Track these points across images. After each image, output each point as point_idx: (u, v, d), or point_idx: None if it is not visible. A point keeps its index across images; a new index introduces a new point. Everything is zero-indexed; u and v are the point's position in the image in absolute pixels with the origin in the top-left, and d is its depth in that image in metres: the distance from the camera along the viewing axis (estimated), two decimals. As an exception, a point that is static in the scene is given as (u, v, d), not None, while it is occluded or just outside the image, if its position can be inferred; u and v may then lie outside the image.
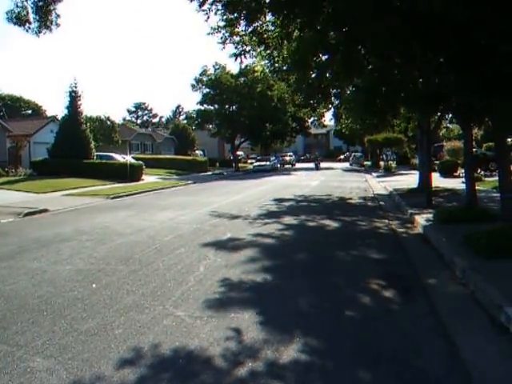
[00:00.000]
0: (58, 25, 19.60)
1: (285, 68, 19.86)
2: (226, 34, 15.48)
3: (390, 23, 10.39)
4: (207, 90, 69.88)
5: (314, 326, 6.66)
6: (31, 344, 6.10)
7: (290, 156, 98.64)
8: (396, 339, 6.12)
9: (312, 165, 78.20)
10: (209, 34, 15.48)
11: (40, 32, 17.85)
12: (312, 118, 57.81)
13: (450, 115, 23.33)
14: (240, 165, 78.08)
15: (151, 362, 5.56)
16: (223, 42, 15.81)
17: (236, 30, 15.27)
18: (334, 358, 5.63)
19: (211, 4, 13.52)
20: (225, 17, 14.29)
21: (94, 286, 8.83)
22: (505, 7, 9.13)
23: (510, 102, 10.82)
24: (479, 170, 34.42)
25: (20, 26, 17.19)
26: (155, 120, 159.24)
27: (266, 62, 20.51)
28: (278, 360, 5.55)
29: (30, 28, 17.43)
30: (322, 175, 52.69)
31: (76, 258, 11.19)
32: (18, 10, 17.12)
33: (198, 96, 75.69)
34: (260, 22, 15.23)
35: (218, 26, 14.97)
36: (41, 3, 17.42)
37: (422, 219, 15.08)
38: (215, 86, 68.50)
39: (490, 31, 9.43)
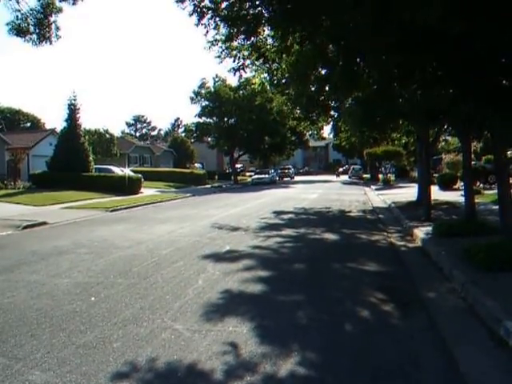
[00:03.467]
0: (58, 37, 19.70)
1: (284, 81, 19.92)
2: (224, 49, 15.54)
3: (389, 37, 10.42)
4: (206, 102, 70.10)
5: (313, 339, 6.64)
6: (30, 357, 6.08)
7: (288, 169, 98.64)
8: (395, 353, 6.10)
9: (311, 177, 78.57)
10: (206, 48, 15.54)
11: (40, 43, 17.96)
12: (310, 132, 57.89)
13: (449, 128, 23.36)
14: (239, 177, 78.27)
15: (149, 375, 5.54)
16: (220, 56, 15.86)
17: (234, 44, 15.32)
18: (333, 372, 5.61)
19: (210, 18, 13.59)
20: (224, 31, 14.35)
21: (92, 299, 8.81)
22: (502, 19, 9.17)
23: (509, 115, 10.85)
24: (478, 183, 34.46)
25: (21, 37, 17.31)
26: (154, 133, 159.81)
27: (265, 75, 20.58)
28: (277, 374, 5.52)
29: (30, 39, 17.56)
30: (321, 188, 52.66)
31: (75, 271, 11.17)
32: (19, 22, 17.22)
33: (196, 109, 75.86)
34: (259, 37, 15.28)
35: (215, 40, 15.01)
36: (40, 15, 17.52)
37: (421, 232, 15.08)
38: (214, 98, 68.71)
39: (488, 43, 9.46)
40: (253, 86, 51.88)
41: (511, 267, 9.17)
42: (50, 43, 20.64)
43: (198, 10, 13.29)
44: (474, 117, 10.95)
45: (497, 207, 12.27)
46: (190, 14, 13.43)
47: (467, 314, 7.61)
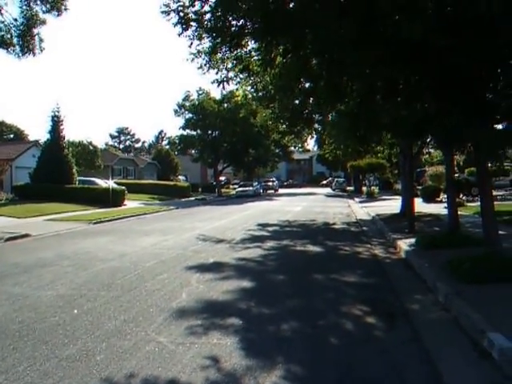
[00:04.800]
0: (42, 49, 19.66)
1: (268, 94, 19.94)
2: (208, 60, 15.51)
3: (372, 50, 10.47)
4: (190, 115, 70.23)
5: (297, 352, 6.62)
6: (12, 370, 6.03)
7: (272, 181, 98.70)
8: (379, 366, 6.10)
9: (295, 190, 78.69)
10: (189, 60, 15.51)
11: (23, 55, 17.90)
12: (294, 145, 58.06)
13: (432, 141, 23.50)
14: (223, 190, 78.24)
15: (133, 388, 5.51)
16: (203, 68, 15.83)
17: (218, 56, 15.31)
18: (318, 385, 5.61)
19: (195, 30, 13.61)
20: (208, 43, 14.35)
21: (75, 311, 8.76)
22: (483, 34, 9.25)
23: (489, 128, 10.94)
24: (461, 195, 34.67)
25: (4, 48, 17.24)
26: (138, 145, 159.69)
27: (250, 88, 20.60)
28: (262, 387, 5.52)
29: (13, 51, 17.50)
30: (305, 200, 52.77)
31: (58, 284, 11.12)
32: (2, 33, 17.16)
33: (180, 121, 76.13)
34: (243, 49, 15.29)
35: (199, 51, 15.00)
36: (23, 27, 17.47)
37: (404, 244, 15.12)
38: (198, 111, 68.88)
39: (471, 57, 9.54)
40: (237, 99, 51.98)
41: (494, 279, 9.22)
42: (34, 55, 20.58)
43: (183, 21, 13.31)
44: (456, 130, 11.01)
45: (480, 219, 12.33)
46: (175, 25, 13.45)
47: (451, 325, 7.62)
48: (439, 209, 27.57)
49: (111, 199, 39.75)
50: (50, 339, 7.21)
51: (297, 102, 20.17)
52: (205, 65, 15.62)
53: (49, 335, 7.40)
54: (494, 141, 10.74)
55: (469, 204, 30.39)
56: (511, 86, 11.23)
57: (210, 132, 71.98)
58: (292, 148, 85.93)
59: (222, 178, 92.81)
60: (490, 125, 11.05)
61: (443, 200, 33.08)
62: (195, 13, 13.35)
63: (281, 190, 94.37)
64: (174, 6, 13.23)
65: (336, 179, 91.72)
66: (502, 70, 11.10)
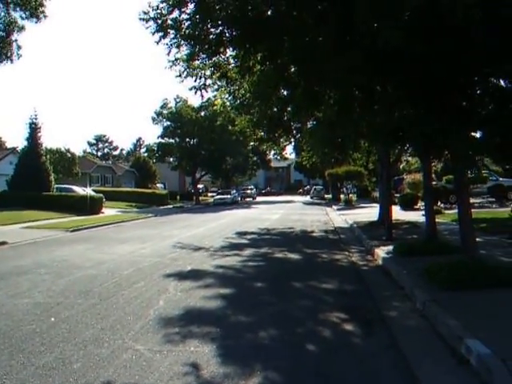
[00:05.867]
0: (19, 56, 19.52)
1: (245, 103, 19.94)
2: (186, 68, 15.49)
3: (350, 59, 10.51)
4: (168, 123, 70.21)
5: (275, 359, 6.60)
6: (-13, 380, 5.95)
7: (250, 189, 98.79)
8: (357, 373, 6.09)
9: (273, 198, 78.91)
10: (169, 67, 15.47)
11: (0, 62, 17.76)
12: (273, 152, 58.12)
13: (410, 148, 23.65)
14: (201, 198, 78.19)
15: (110, 397, 5.47)
16: (181, 76, 15.80)
17: (196, 63, 15.30)
18: (296, 392, 5.60)
19: (173, 38, 13.58)
20: (186, 50, 14.32)
21: (52, 319, 8.69)
22: (460, 42, 9.33)
23: (466, 136, 11.01)
24: (439, 203, 34.88)
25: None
26: (116, 152, 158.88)
27: (227, 96, 20.59)
28: (239, 394, 5.49)
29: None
30: (283, 208, 52.92)
31: (35, 292, 11.02)
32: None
33: (158, 129, 76.00)
34: (221, 57, 15.29)
35: (177, 59, 14.97)
36: (1, 33, 17.34)
37: (382, 252, 15.17)
38: (176, 119, 68.92)
39: (447, 64, 9.61)
40: (215, 108, 52.11)
41: (471, 286, 9.27)
42: (11, 62, 20.46)
43: (161, 28, 13.29)
44: (434, 137, 11.06)
45: (457, 226, 12.39)
46: (153, 33, 13.43)
47: (429, 332, 7.63)
48: (417, 216, 27.69)
49: (89, 207, 39.65)
50: (26, 347, 7.13)
51: (275, 109, 20.19)
52: (183, 72, 15.61)
53: (25, 343, 7.33)
54: (470, 148, 10.82)
55: (446, 211, 30.58)
56: (487, 94, 11.32)
57: (188, 140, 71.98)
58: (270, 156, 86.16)
59: (200, 186, 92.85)
60: (466, 132, 11.11)
61: (421, 208, 33.23)
62: (174, 20, 13.34)
63: (259, 198, 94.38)
64: (152, 13, 13.21)
65: (314, 187, 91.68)
66: (478, 78, 11.18)
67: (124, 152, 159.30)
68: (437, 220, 17.64)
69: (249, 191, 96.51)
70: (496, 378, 5.40)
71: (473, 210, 12.64)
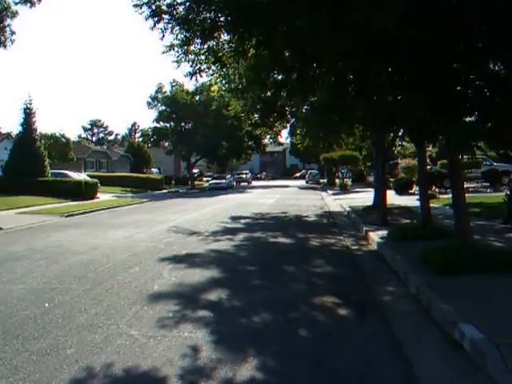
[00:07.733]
0: (13, 41, 19.43)
1: (240, 87, 19.86)
2: (181, 53, 15.41)
3: (345, 42, 10.46)
4: (163, 107, 70.05)
5: (269, 344, 6.62)
6: (-19, 365, 5.95)
7: (246, 174, 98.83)
8: (351, 357, 6.11)
9: (268, 182, 78.93)
10: (163, 52, 15.38)
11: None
12: (268, 137, 58.07)
13: (404, 133, 23.62)
14: (196, 182, 78.07)
15: (103, 382, 5.47)
16: (178, 61, 15.73)
17: (191, 48, 15.21)
18: (289, 378, 5.61)
19: (167, 23, 13.49)
20: (180, 36, 14.23)
21: (46, 305, 8.68)
22: (456, 27, 9.30)
23: (459, 120, 10.99)
24: (434, 187, 34.85)
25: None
26: (111, 137, 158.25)
27: (222, 80, 20.51)
28: (233, 379, 5.49)
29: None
30: (278, 193, 52.92)
31: (29, 277, 11.02)
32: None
33: (154, 114, 75.76)
34: (216, 41, 15.21)
35: (172, 45, 14.89)
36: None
37: (376, 236, 15.19)
38: (171, 103, 68.77)
39: (442, 49, 9.58)
40: (212, 93, 51.98)
41: (466, 270, 9.28)
42: (5, 47, 20.37)
43: (155, 14, 13.19)
44: (428, 123, 11.03)
45: (452, 211, 12.40)
46: (147, 18, 13.33)
47: (422, 317, 7.66)
48: (412, 201, 27.65)
49: (84, 192, 39.52)
50: (20, 333, 7.13)
51: (269, 93, 20.12)
52: (178, 57, 15.54)
53: (19, 329, 7.33)
54: (463, 133, 10.79)
55: (441, 196, 30.57)
56: (482, 78, 11.28)
57: (183, 124, 71.88)
58: (267, 140, 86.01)
59: (196, 171, 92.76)
60: (460, 117, 11.08)
61: (416, 192, 33.17)
62: (168, 5, 13.25)
63: (254, 183, 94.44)
64: (145, -1, 13.10)
65: (309, 171, 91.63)
66: (473, 63, 11.14)
67: (119, 137, 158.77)
68: (431, 204, 17.63)
69: (244, 176, 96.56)
70: (489, 362, 5.42)
71: (467, 195, 12.63)
